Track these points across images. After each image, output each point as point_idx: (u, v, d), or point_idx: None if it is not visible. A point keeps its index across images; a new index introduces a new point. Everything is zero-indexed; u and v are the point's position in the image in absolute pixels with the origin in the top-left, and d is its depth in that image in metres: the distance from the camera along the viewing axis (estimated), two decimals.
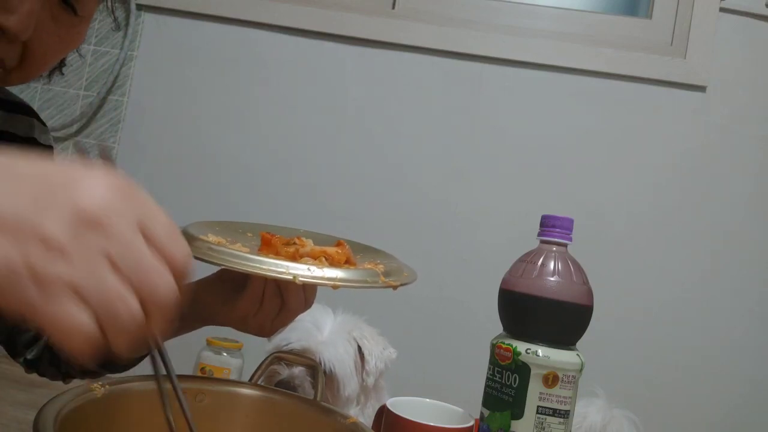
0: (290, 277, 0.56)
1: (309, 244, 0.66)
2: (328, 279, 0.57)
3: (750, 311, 1.60)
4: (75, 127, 1.84)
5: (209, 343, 1.34)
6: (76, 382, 0.69)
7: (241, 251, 0.60)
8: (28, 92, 1.86)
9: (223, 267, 0.58)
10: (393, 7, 1.79)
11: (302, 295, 0.69)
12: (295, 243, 0.66)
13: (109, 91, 1.82)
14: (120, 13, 1.85)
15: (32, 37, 0.57)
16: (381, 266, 0.65)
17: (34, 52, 0.59)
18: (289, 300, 0.68)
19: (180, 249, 0.36)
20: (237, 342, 1.37)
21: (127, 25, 1.82)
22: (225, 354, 1.33)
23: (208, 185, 1.77)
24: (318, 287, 0.69)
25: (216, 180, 1.77)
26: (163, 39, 1.83)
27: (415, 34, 1.72)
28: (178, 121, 1.80)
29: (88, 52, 1.85)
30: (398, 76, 1.74)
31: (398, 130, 1.73)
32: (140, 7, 1.82)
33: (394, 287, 0.61)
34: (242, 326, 0.69)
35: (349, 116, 1.75)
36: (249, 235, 0.72)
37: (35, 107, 1.95)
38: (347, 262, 0.65)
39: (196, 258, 0.58)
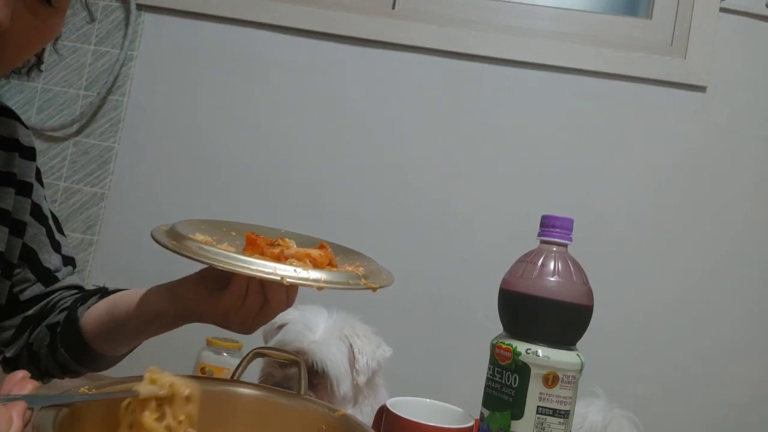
0: (278, 278, 0.58)
1: (293, 246, 0.68)
2: (314, 280, 0.60)
3: (750, 312, 1.60)
4: (75, 127, 1.84)
5: (209, 343, 1.34)
6: (75, 382, 0.69)
7: (228, 251, 0.62)
8: (28, 93, 1.86)
9: (213, 266, 0.60)
10: (393, 7, 1.79)
11: (284, 293, 0.70)
12: (279, 244, 0.68)
13: (109, 91, 1.82)
14: (120, 13, 1.85)
15: (9, 29, 0.57)
16: (361, 269, 0.68)
17: (11, 44, 0.59)
18: (271, 297, 0.69)
19: None
20: (237, 342, 1.37)
21: (127, 25, 1.82)
22: (225, 354, 1.33)
23: (208, 185, 1.77)
24: (299, 288, 0.71)
25: (216, 180, 1.77)
26: (163, 39, 1.83)
27: (415, 34, 1.72)
28: (178, 121, 1.80)
29: (88, 52, 1.85)
30: (398, 76, 1.74)
31: (398, 130, 1.73)
32: (140, 7, 1.82)
33: (374, 289, 0.64)
34: (224, 322, 0.70)
35: (349, 116, 1.75)
36: (233, 234, 0.74)
37: (35, 107, 1.96)
38: (329, 264, 0.68)
39: (188, 257, 0.61)
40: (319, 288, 0.60)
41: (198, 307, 0.70)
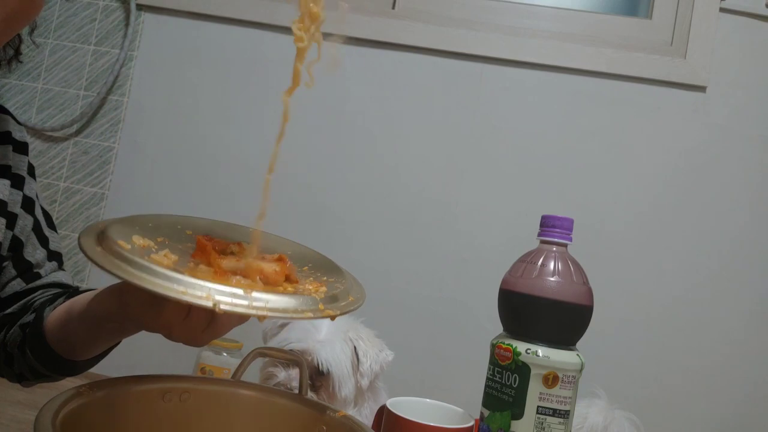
0: (209, 304, 0.49)
1: (250, 253, 0.59)
2: (255, 308, 0.50)
3: (750, 312, 1.60)
4: (75, 127, 1.84)
5: (209, 343, 1.34)
6: (73, 381, 0.69)
7: (159, 263, 0.52)
8: (28, 92, 1.86)
9: (132, 284, 0.51)
10: (393, 7, 1.79)
11: None
12: (232, 252, 0.59)
13: (109, 91, 1.82)
14: (120, 13, 1.85)
15: None
16: (323, 289, 0.58)
17: None
18: (218, 314, 0.58)
19: None
20: (237, 342, 1.37)
21: (127, 25, 1.82)
22: (225, 354, 1.33)
23: (208, 185, 1.77)
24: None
25: (216, 180, 1.77)
26: (163, 39, 1.83)
27: (415, 34, 1.72)
28: (178, 121, 1.80)
29: (88, 52, 1.85)
30: (398, 76, 1.74)
31: (398, 130, 1.73)
32: (140, 7, 1.83)
33: (332, 317, 0.55)
34: (168, 335, 0.62)
35: (349, 116, 1.75)
36: (188, 233, 0.65)
37: (35, 107, 1.96)
38: (287, 280, 0.58)
39: (104, 269, 0.52)
40: (261, 319, 0.52)
41: (140, 314, 0.62)
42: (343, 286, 0.61)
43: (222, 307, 0.49)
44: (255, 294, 0.51)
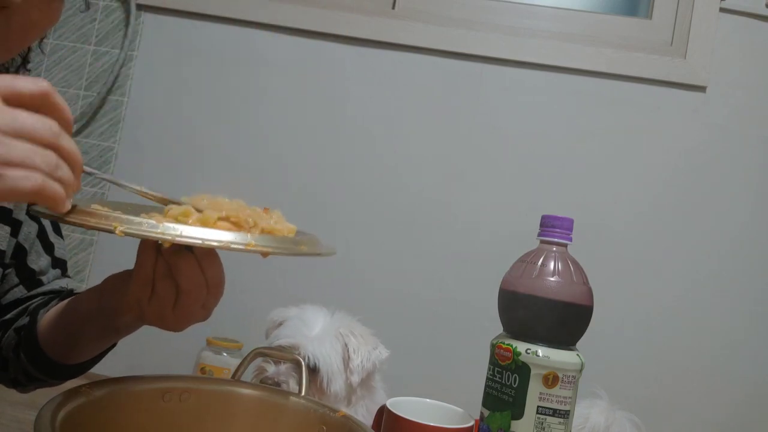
0: (110, 228, 0.47)
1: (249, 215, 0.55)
2: (160, 234, 0.46)
3: (750, 312, 1.60)
4: (75, 127, 1.83)
5: (209, 344, 1.34)
6: (74, 382, 0.69)
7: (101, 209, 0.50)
8: None
9: (56, 219, 0.50)
10: (393, 7, 1.79)
11: (198, 273, 0.58)
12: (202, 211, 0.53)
13: (109, 91, 1.82)
14: (120, 13, 1.85)
15: (15, 11, 0.57)
16: (291, 238, 0.54)
17: (16, 27, 0.59)
18: (180, 280, 0.57)
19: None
20: (237, 342, 1.37)
21: (127, 25, 1.82)
22: (225, 354, 1.34)
23: (208, 185, 1.77)
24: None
25: (216, 180, 1.77)
26: (163, 39, 1.83)
27: (415, 34, 1.72)
28: (178, 121, 1.80)
29: (88, 52, 1.85)
30: (398, 76, 1.74)
31: (398, 130, 1.73)
32: (140, 7, 1.82)
33: (264, 254, 0.50)
34: (140, 315, 0.61)
35: (349, 116, 1.75)
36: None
37: None
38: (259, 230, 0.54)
39: (39, 213, 0.53)
40: (165, 243, 0.48)
41: (115, 296, 0.64)
42: (307, 239, 0.56)
43: (120, 229, 0.46)
44: (167, 224, 0.47)
